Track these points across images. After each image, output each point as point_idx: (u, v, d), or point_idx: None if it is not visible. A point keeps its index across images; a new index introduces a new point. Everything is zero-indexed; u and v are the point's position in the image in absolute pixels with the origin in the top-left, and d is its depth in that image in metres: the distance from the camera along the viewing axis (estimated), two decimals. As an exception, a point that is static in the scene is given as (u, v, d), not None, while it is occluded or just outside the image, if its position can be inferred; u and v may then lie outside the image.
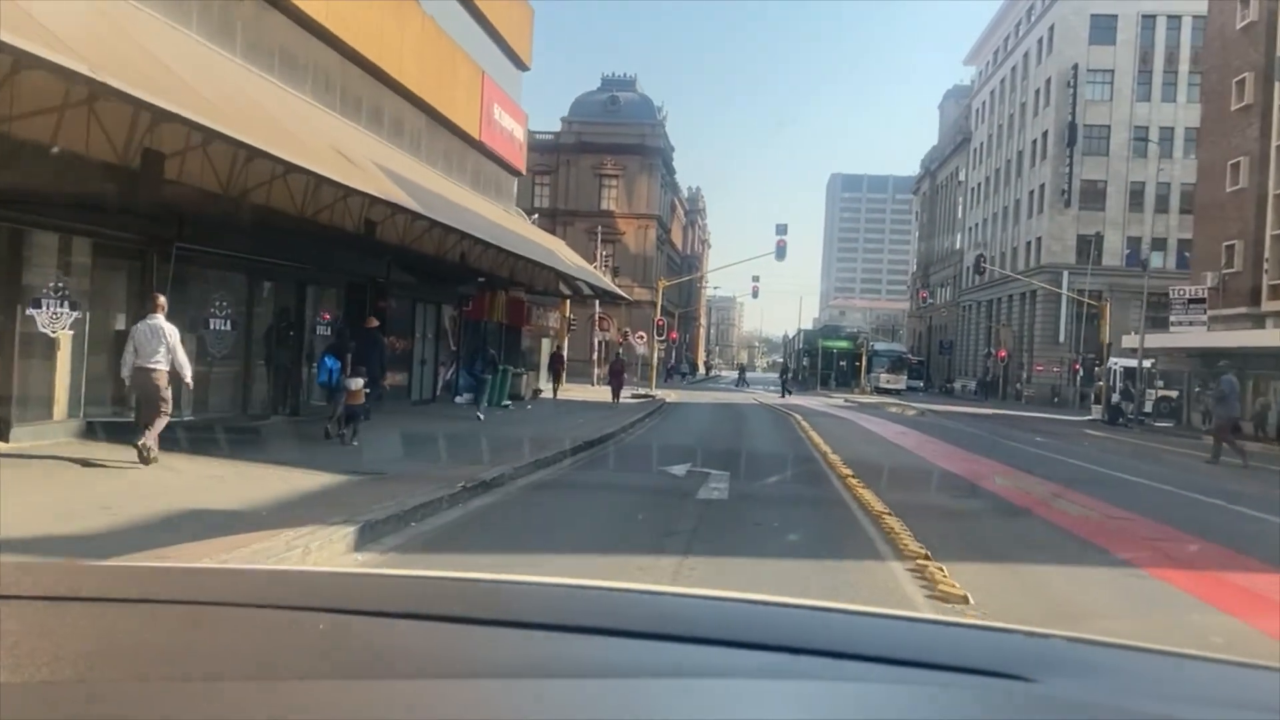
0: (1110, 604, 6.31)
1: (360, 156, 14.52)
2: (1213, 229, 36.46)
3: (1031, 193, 63.65)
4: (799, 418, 25.66)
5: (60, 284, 11.19)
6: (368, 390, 18.61)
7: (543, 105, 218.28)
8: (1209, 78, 38.17)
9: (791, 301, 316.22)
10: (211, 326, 13.43)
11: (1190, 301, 34.55)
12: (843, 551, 7.41)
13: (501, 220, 25.30)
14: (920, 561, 6.69)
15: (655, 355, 43.08)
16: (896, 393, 60.16)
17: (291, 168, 11.82)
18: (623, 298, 37.99)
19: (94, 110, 10.22)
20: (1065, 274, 56.59)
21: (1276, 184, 32.24)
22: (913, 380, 67.74)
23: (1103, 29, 59.20)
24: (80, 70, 7.18)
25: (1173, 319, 35.44)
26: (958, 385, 71.95)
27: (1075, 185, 58.81)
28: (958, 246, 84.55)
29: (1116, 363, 46.75)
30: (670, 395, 38.15)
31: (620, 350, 53.10)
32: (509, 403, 23.72)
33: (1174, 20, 58.79)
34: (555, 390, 33.35)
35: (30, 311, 10.78)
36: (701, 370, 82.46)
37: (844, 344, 66.38)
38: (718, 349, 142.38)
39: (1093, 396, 43.34)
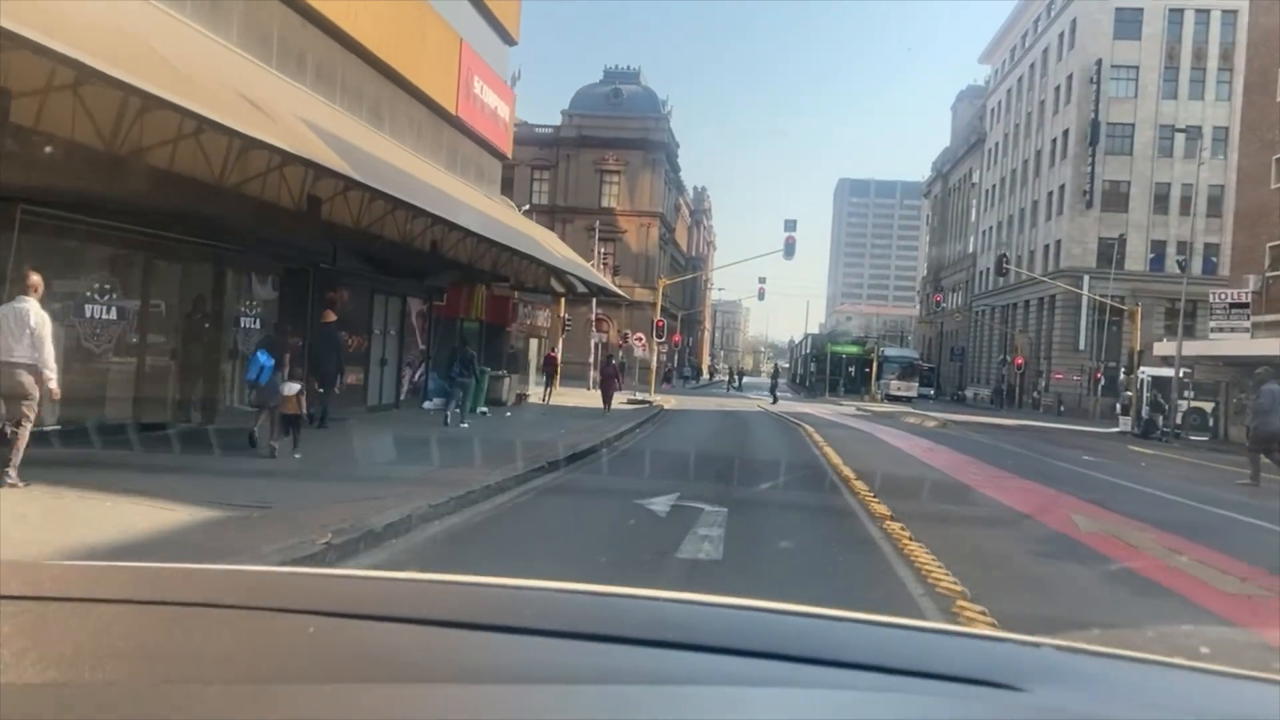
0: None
1: (286, 113, 12.00)
2: (1254, 230, 33.84)
3: (1050, 194, 61.05)
4: (809, 429, 23.10)
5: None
6: (320, 390, 16.25)
7: (542, 101, 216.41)
8: (1251, 72, 35.56)
9: (797, 307, 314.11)
10: (88, 314, 10.88)
11: (1232, 306, 31.93)
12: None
13: (481, 206, 22.80)
14: None
15: (655, 358, 40.45)
16: (908, 400, 57.55)
17: (193, 118, 9.36)
18: (621, 296, 35.51)
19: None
20: (1086, 278, 53.92)
21: (1330, 179, 29.62)
22: (923, 388, 65.08)
23: (1127, 23, 56.59)
24: None
25: (1213, 325, 32.82)
26: (970, 393, 69.32)
27: (1097, 186, 56.22)
28: (970, 250, 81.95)
29: (1145, 372, 44.24)
30: (669, 401, 35.62)
31: (618, 353, 50.59)
32: (485, 409, 21.21)
33: (1202, 14, 56.23)
34: (548, 394, 30.93)
35: None
36: (705, 375, 79.64)
37: (853, 349, 63.63)
38: (722, 353, 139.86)
39: (1119, 408, 40.66)
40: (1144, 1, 56.56)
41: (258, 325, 13.92)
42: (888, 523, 8.86)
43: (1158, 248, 56.22)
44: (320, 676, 0.95)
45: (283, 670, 0.97)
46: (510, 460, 11.76)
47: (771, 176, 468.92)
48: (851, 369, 61.80)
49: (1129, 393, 39.00)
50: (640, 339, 39.05)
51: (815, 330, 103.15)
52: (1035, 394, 58.22)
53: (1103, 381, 52.23)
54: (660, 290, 39.70)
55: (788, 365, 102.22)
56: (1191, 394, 37.29)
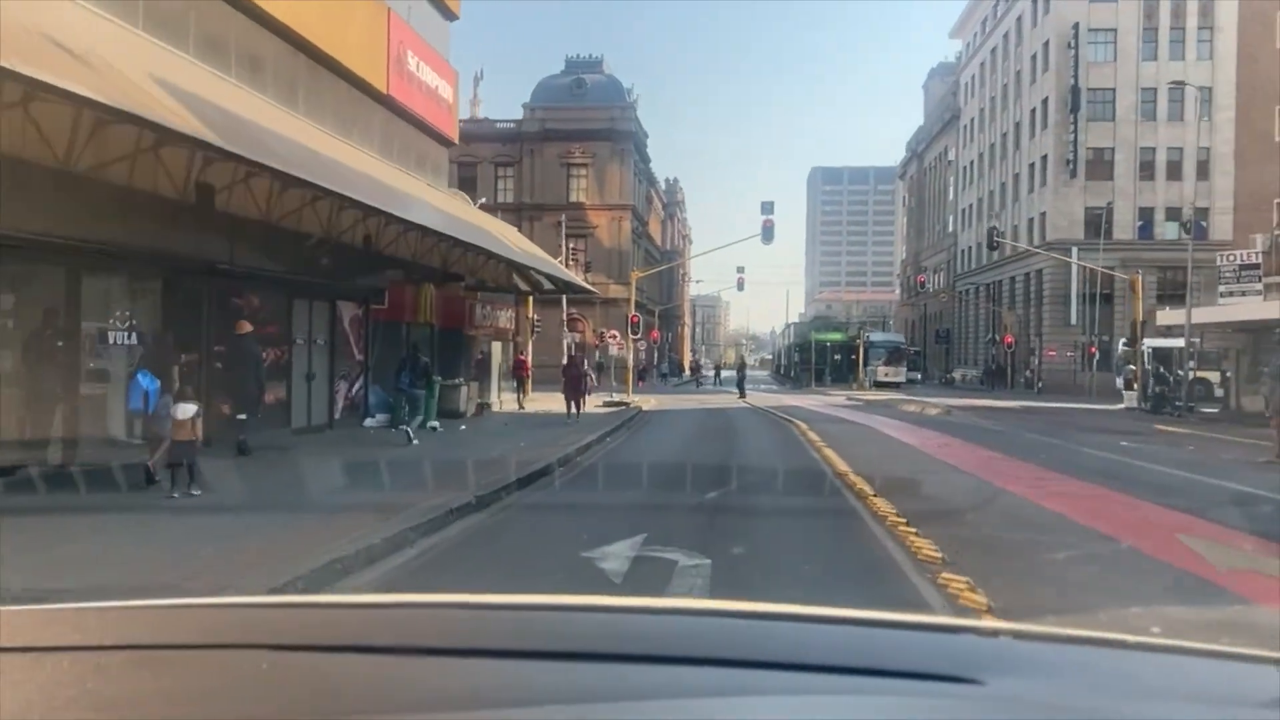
0: None
1: (135, 70, 9.56)
2: (1258, 185, 31.82)
3: (1032, 165, 59.07)
4: (802, 425, 20.73)
5: None
6: (241, 417, 13.90)
7: (508, 99, 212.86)
8: (1245, 12, 33.52)
9: (777, 298, 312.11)
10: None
11: (1243, 268, 29.93)
12: None
13: (425, 196, 20.39)
14: None
15: (632, 357, 38.05)
16: (895, 386, 55.42)
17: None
18: (591, 292, 33.20)
19: None
20: (1074, 250, 51.92)
21: (1343, 126, 27.57)
22: (910, 372, 62.98)
23: (1103, -16, 54.61)
24: None
25: (1222, 289, 30.76)
26: (957, 375, 67.27)
27: (1081, 154, 54.22)
28: (950, 229, 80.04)
29: (1146, 344, 42.22)
30: (649, 402, 33.27)
31: (594, 353, 48.15)
32: (436, 424, 18.79)
33: (1179, -29, 54.34)
34: (520, 400, 28.62)
35: None
36: (686, 372, 76.99)
37: (838, 336, 61.42)
38: (704, 348, 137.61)
39: (1121, 382, 38.58)
40: (1119, -39, 54.67)
41: (132, 340, 11.45)
42: (943, 575, 6.35)
43: (1145, 215, 54.29)
44: (276, 714, 0.91)
45: (237, 710, 0.92)
46: (439, 489, 9.40)
47: (744, 168, 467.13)
48: (837, 356, 59.62)
49: (1131, 366, 36.98)
50: (615, 337, 36.64)
51: (796, 320, 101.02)
52: (1028, 373, 56.19)
53: (1097, 356, 50.31)
54: (634, 284, 37.26)
55: (770, 356, 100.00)
56: (1194, 364, 35.32)
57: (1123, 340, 44.17)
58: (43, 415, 10.51)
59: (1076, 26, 53.73)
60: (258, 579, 5.88)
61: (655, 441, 18.97)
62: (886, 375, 57.18)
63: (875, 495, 9.58)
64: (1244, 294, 29.57)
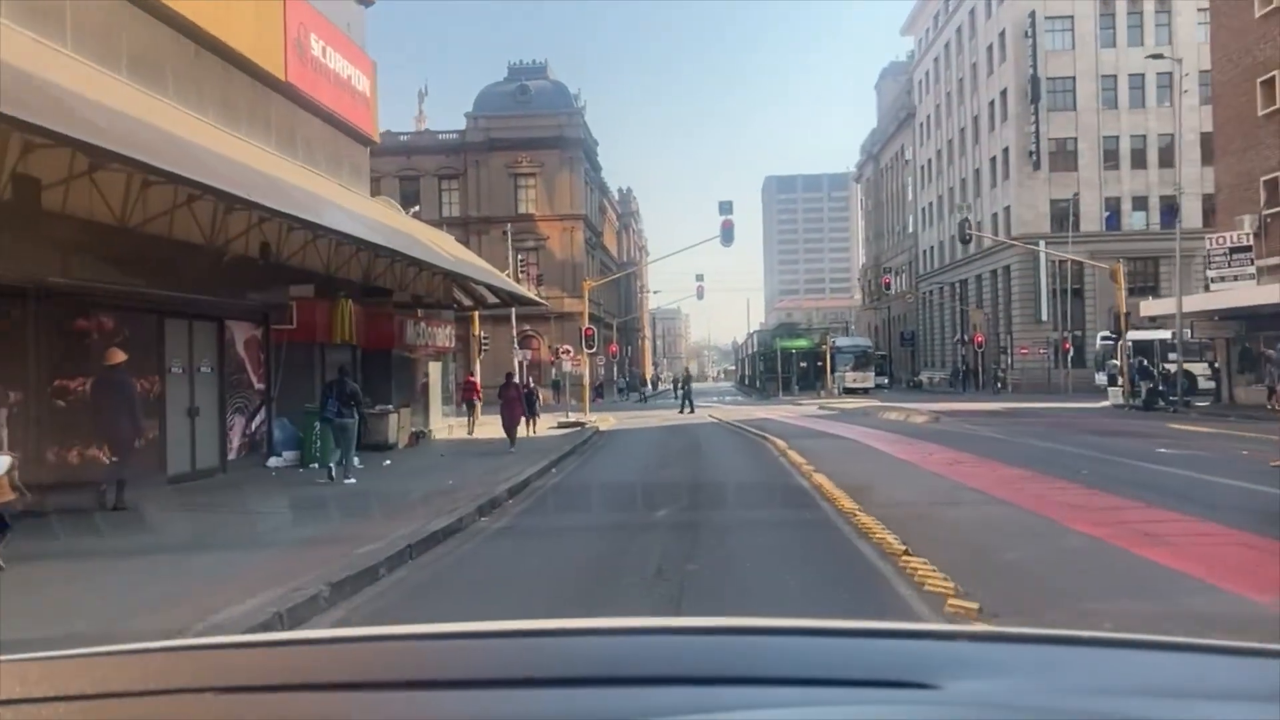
0: None
1: None
2: (1242, 164, 30.05)
3: (994, 159, 57.52)
4: (779, 443, 18.16)
5: None
6: (114, 460, 11.27)
7: (453, 112, 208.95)
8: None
9: (737, 308, 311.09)
10: None
11: (1233, 251, 28.03)
12: None
13: (338, 199, 17.74)
14: None
15: (588, 372, 35.45)
16: (865, 392, 53.39)
17: None
18: (537, 303, 30.59)
19: None
20: (1042, 244, 50.24)
21: (1334, 95, 25.79)
22: (878, 377, 60.97)
23: (1057, -30, 53.27)
24: None
25: (1212, 274, 28.87)
26: (925, 378, 65.41)
27: (1044, 145, 52.69)
28: (910, 230, 78.56)
29: (1111, 335, 40.48)
30: (607, 421, 30.73)
31: (547, 369, 45.47)
32: (357, 459, 16.09)
33: (1133, -44, 53.15)
34: (471, 425, 25.90)
35: None
36: (649, 387, 74.11)
37: (804, 342, 59.27)
38: (665, 361, 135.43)
39: (1105, 378, 36.69)
40: (1072, -52, 53.36)
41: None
42: None
43: (1112, 205, 52.91)
44: None
45: None
46: (311, 566, 6.79)
47: (698, 179, 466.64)
48: (804, 364, 57.52)
49: (1115, 361, 35.09)
50: (569, 352, 34.05)
51: (759, 328, 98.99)
52: (1000, 372, 54.40)
53: (1071, 353, 48.60)
54: (587, 294, 34.68)
55: (734, 366, 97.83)
56: (1178, 356, 33.55)
57: (1101, 334, 42.42)
58: None
59: (1033, 15, 52.29)
60: None
61: (608, 472, 16.19)
62: (855, 381, 55.17)
63: (907, 554, 6.97)
64: (1235, 278, 27.66)
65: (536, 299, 31.21)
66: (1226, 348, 31.06)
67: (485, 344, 34.00)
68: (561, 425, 27.28)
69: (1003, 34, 55.17)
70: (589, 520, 10.39)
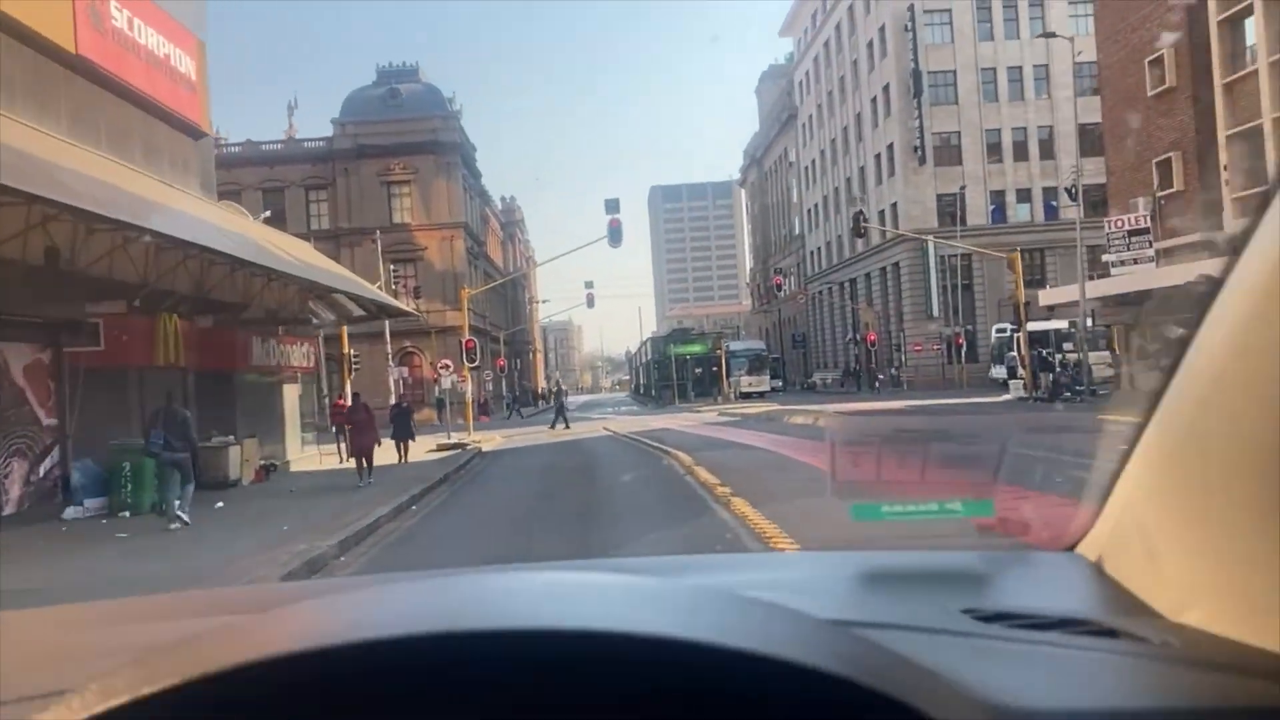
0: None
1: None
2: (1133, 146, 29.57)
3: (879, 156, 57.13)
4: (684, 459, 15.84)
5: None
6: None
7: (319, 122, 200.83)
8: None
9: (629, 318, 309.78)
10: None
11: (1131, 234, 27.36)
12: None
13: (153, 194, 14.87)
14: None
15: (470, 388, 32.75)
16: (761, 396, 52.09)
17: None
18: (407, 314, 27.93)
19: None
20: (931, 238, 49.82)
21: (1224, 69, 25.32)
22: (772, 380, 59.80)
23: (933, -37, 53.20)
24: None
25: (1112, 259, 28.17)
26: (817, 379, 64.67)
27: (928, 140, 52.39)
28: (797, 232, 78.14)
29: (1005, 328, 40.07)
30: (493, 440, 28.20)
31: (431, 387, 42.39)
32: (179, 505, 13.29)
33: (1004, -51, 53.51)
34: (343, 452, 22.99)
35: None
36: (535, 403, 70.91)
37: (698, 348, 57.56)
38: (558, 373, 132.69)
39: (1005, 371, 35.99)
40: (946, -59, 53.34)
41: None
42: None
43: (997, 198, 52.98)
44: None
45: None
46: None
47: (583, 190, 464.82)
48: (698, 369, 55.82)
49: (1014, 353, 34.36)
50: (448, 366, 31.32)
51: (652, 336, 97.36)
52: (893, 370, 53.84)
53: (965, 347, 48.26)
54: (466, 303, 32.00)
55: (628, 376, 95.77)
56: (1070, 345, 33.05)
57: (995, 327, 42.01)
58: None
59: (912, 8, 52.00)
60: None
61: (479, 509, 13.12)
62: (751, 385, 53.78)
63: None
64: (1135, 261, 26.97)
65: (406, 309, 28.50)
66: (1125, 334, 30.50)
67: (356, 363, 31.01)
68: (441, 447, 24.66)
69: (883, 29, 54.83)
70: (448, 562, 8.00)
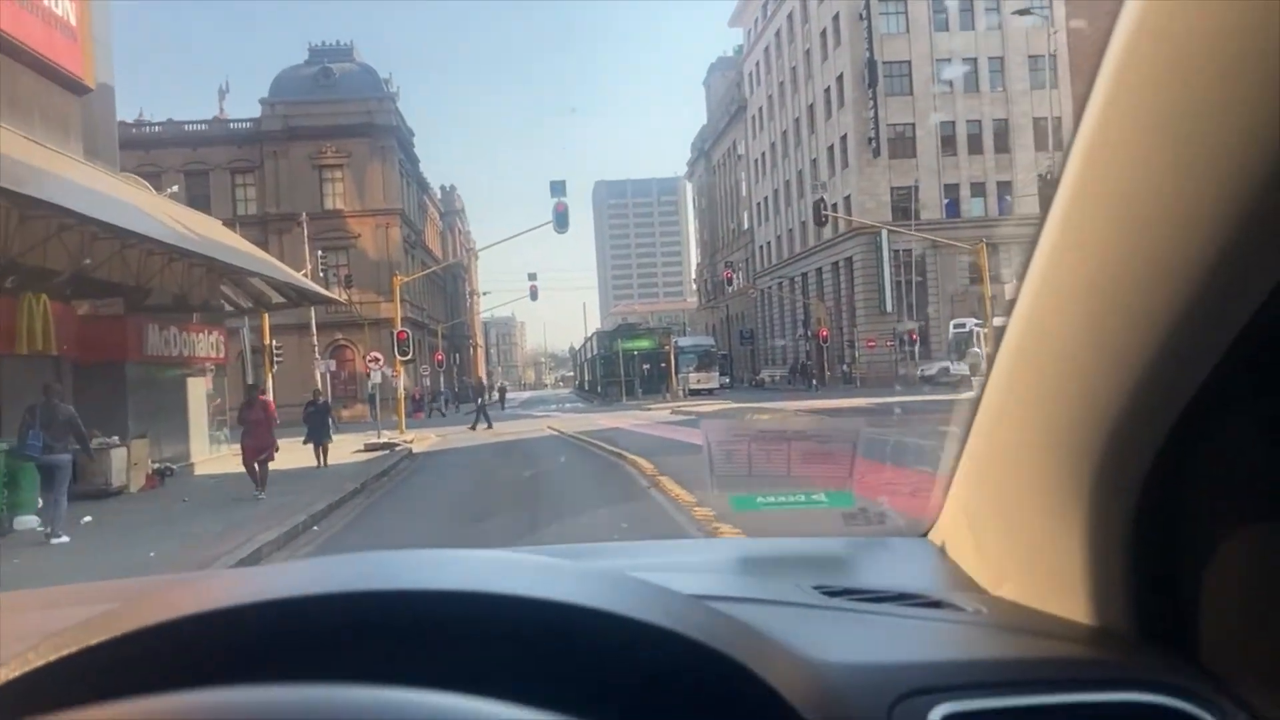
0: None
1: None
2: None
3: (831, 148, 55.73)
4: (645, 465, 13.92)
5: None
6: None
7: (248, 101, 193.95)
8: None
9: (573, 314, 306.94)
10: None
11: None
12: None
13: (17, 153, 12.43)
14: None
15: (402, 382, 30.37)
16: (709, 393, 50.32)
17: None
18: (330, 300, 25.64)
19: None
20: (884, 232, 48.56)
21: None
22: (720, 376, 58.11)
23: (887, -48, 51.94)
24: None
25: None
26: (766, 376, 63.15)
27: (883, 132, 51.09)
28: (746, 226, 76.66)
29: (965, 322, 38.98)
30: (427, 439, 25.97)
31: (363, 382, 39.80)
32: (37, 520, 11.06)
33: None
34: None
35: None
36: (493, 396, 67.84)
37: (646, 343, 55.56)
38: (500, 369, 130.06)
39: (967, 368, 34.69)
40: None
41: None
42: None
43: (951, 192, 51.92)
44: None
45: None
46: None
47: (526, 185, 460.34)
48: (646, 366, 53.89)
49: (977, 349, 33.10)
50: (378, 360, 28.93)
51: (597, 331, 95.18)
52: (844, 367, 52.49)
53: (918, 343, 47.07)
54: (398, 290, 29.63)
55: (572, 373, 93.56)
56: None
57: (954, 322, 40.79)
58: None
59: (867, -4, 50.65)
60: None
61: (394, 534, 10.64)
62: (699, 382, 51.99)
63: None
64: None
65: (329, 295, 26.14)
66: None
67: (280, 355, 28.46)
68: (369, 448, 22.41)
69: (836, 17, 53.43)
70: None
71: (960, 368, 36.28)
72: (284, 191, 49.40)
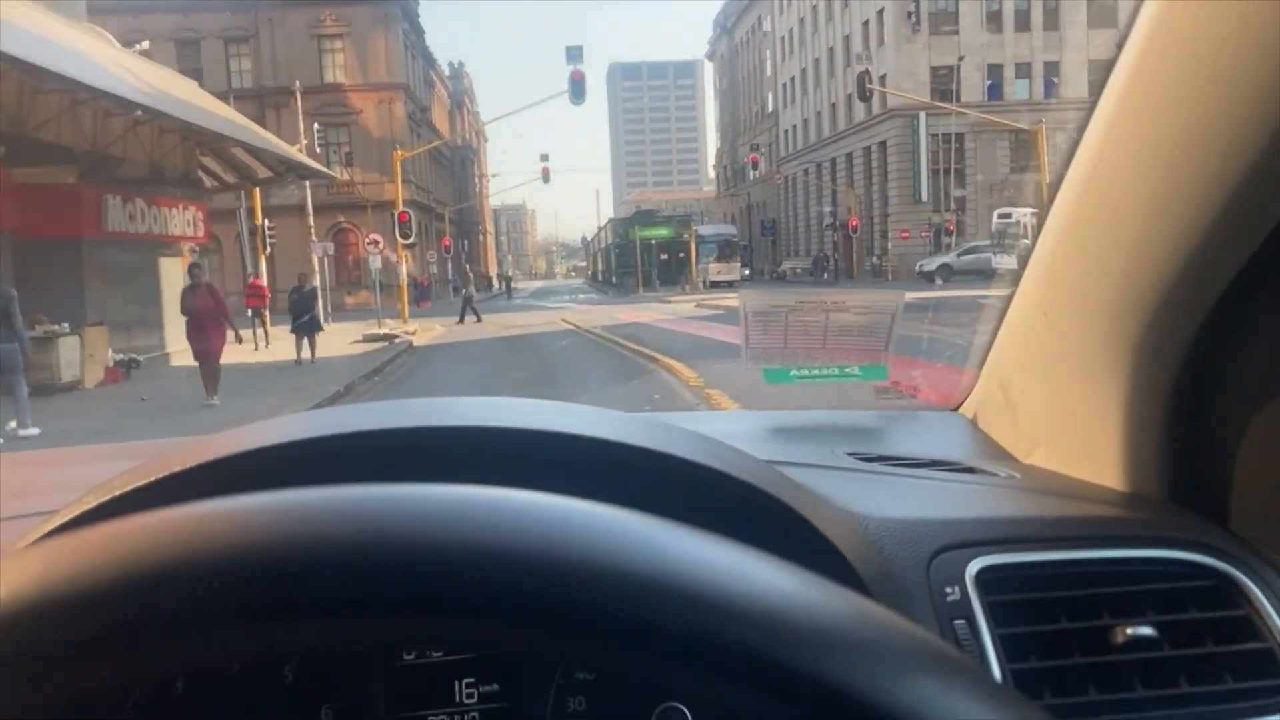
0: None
1: None
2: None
3: (866, 23, 51.80)
4: (685, 373, 11.77)
5: None
6: None
7: None
8: None
9: (585, 203, 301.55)
10: None
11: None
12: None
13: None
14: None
15: (404, 268, 28.12)
16: (730, 285, 47.95)
17: None
18: (321, 173, 23.27)
19: None
20: (922, 115, 45.40)
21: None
22: (742, 268, 55.60)
23: None
24: None
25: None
26: (787, 268, 60.55)
27: (923, 4, 47.24)
28: (770, 109, 72.81)
29: (1009, 212, 36.40)
30: (432, 330, 23.97)
31: (365, 270, 37.51)
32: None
33: None
34: (257, 340, 19.06)
35: None
36: (499, 285, 65.77)
37: (665, 231, 52.95)
38: (510, 257, 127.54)
39: (1016, 261, 32.13)
40: None
41: None
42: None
43: (995, 73, 48.33)
44: None
45: None
46: None
47: (540, 65, 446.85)
48: (664, 255, 51.47)
49: (1026, 241, 30.52)
50: (377, 242, 26.62)
51: (612, 218, 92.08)
52: (873, 260, 49.93)
53: (955, 235, 44.44)
54: (398, 165, 27.10)
55: (585, 264, 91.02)
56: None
57: (998, 212, 38.03)
58: None
59: None
60: None
61: None
62: (720, 273, 49.62)
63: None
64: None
65: (319, 168, 23.73)
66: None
67: (272, 235, 26.19)
68: (367, 339, 20.39)
69: (878, -125, 48.94)
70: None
71: (1000, 261, 33.78)
72: (280, 63, 46.19)
